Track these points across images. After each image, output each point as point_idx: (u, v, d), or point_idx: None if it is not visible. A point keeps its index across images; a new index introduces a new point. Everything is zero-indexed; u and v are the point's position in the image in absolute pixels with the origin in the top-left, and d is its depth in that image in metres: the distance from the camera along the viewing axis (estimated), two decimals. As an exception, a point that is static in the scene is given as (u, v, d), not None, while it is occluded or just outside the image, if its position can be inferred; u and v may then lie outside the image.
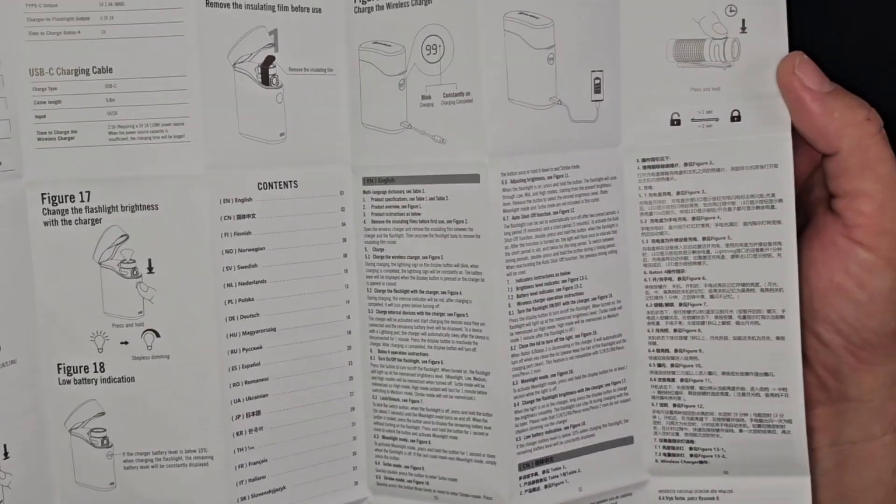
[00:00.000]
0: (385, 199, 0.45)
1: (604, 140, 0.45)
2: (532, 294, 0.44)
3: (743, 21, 0.44)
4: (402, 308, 0.46)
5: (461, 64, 0.43)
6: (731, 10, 0.44)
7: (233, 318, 0.44)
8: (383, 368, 0.46)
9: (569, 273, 0.45)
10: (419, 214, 0.45)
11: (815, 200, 0.45)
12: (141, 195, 0.43)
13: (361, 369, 0.47)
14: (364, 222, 0.46)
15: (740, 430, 0.45)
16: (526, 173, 0.43)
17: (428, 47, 0.43)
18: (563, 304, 0.45)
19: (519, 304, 0.44)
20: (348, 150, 0.46)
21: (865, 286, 0.42)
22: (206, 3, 0.43)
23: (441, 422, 0.45)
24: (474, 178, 0.43)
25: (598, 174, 0.45)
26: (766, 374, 0.44)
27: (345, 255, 0.46)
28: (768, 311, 0.44)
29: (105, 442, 0.43)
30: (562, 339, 0.45)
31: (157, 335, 0.43)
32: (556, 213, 0.44)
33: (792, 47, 0.43)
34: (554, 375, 0.45)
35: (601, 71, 0.44)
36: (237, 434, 0.44)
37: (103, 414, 0.43)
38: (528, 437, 0.44)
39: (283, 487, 0.45)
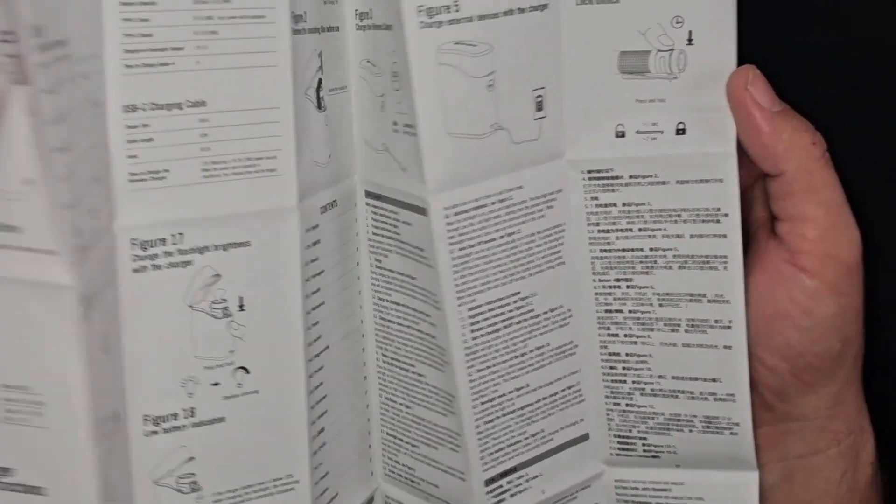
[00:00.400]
0: (380, 214, 0.46)
1: (547, 155, 0.44)
2: (485, 320, 0.44)
3: (689, 32, 0.42)
4: (396, 318, 0.47)
5: (407, 96, 0.42)
6: (677, 22, 0.42)
7: (310, 345, 0.44)
8: (385, 372, 0.48)
9: (519, 293, 0.45)
10: (399, 234, 0.45)
11: (756, 221, 0.45)
12: (233, 233, 0.41)
13: (371, 370, 0.49)
14: (367, 232, 0.47)
15: (690, 431, 0.46)
16: (469, 203, 0.43)
17: (393, 73, 0.43)
18: (516, 323, 0.45)
19: (472, 331, 0.44)
20: (358, 164, 0.47)
21: (810, 313, 0.42)
22: (293, 31, 0.41)
23: (427, 431, 0.47)
24: (424, 211, 0.43)
25: (543, 190, 0.45)
26: (714, 379, 0.45)
27: (357, 264, 0.48)
28: (716, 321, 0.45)
29: (194, 486, 0.43)
30: (516, 356, 0.45)
31: (247, 372, 0.43)
32: (501, 237, 0.44)
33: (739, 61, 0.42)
34: (511, 392, 0.46)
35: (543, 88, 0.43)
36: (314, 454, 0.45)
37: (193, 459, 0.42)
38: (491, 453, 0.46)
39: (337, 494, 0.47)
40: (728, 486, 0.47)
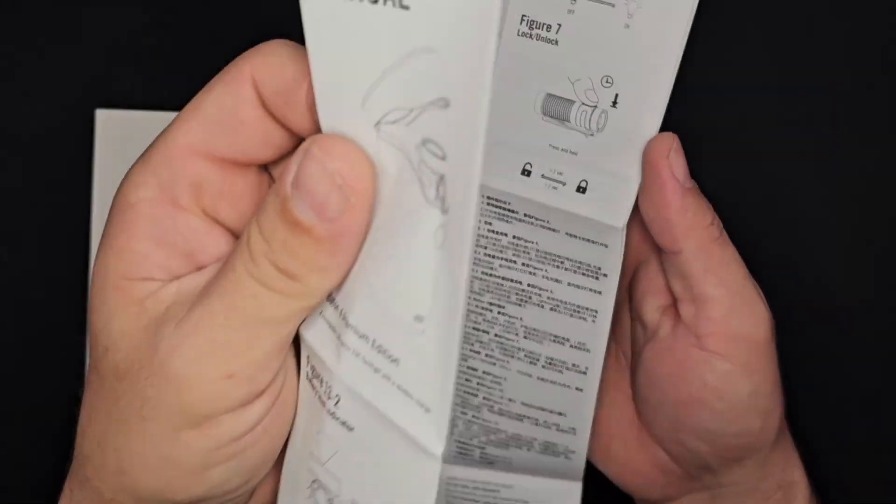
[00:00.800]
0: None
1: None
2: None
3: (616, 96, 0.42)
4: None
5: None
6: (606, 81, 0.42)
7: None
8: None
9: None
10: None
11: (660, 308, 0.45)
12: None
13: None
14: None
15: (528, 450, 0.49)
16: None
17: None
18: None
19: None
20: None
21: (724, 396, 0.41)
22: None
23: None
24: None
25: None
26: (560, 413, 0.47)
27: None
28: (573, 364, 0.46)
29: None
30: None
31: None
32: None
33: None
34: None
35: None
36: None
37: None
38: None
39: None
40: (554, 492, 0.49)
